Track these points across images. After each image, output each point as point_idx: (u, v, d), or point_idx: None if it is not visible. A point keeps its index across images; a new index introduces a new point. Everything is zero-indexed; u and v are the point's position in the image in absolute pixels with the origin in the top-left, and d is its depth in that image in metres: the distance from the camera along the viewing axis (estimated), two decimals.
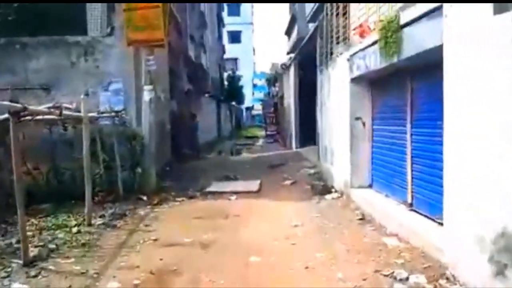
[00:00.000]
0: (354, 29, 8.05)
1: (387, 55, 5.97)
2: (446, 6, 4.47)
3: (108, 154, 9.21)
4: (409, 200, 6.52)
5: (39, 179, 9.07)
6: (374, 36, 6.61)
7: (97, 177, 8.99)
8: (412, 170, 6.43)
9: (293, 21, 19.93)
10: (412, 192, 6.46)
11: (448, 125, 4.53)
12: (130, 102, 10.12)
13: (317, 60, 11.64)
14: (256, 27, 68.63)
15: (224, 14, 46.04)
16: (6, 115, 4.88)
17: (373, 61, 6.69)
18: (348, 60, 8.02)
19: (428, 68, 5.59)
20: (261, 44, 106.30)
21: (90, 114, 7.73)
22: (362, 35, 7.45)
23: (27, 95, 9.23)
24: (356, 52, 7.55)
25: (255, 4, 63.66)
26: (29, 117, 6.02)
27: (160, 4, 9.50)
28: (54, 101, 8.23)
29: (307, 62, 16.47)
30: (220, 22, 39.65)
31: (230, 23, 51.96)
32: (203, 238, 6.24)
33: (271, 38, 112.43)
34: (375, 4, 6.99)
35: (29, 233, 6.52)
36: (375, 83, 7.81)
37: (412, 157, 6.42)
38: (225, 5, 46.66)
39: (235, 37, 57.55)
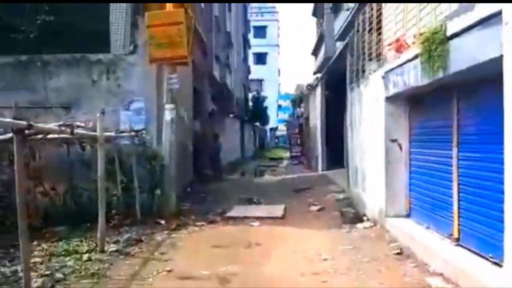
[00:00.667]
0: (389, 45, 7.46)
1: (431, 70, 5.34)
2: (506, 12, 3.86)
3: (127, 175, 8.82)
4: (455, 234, 5.77)
5: (56, 200, 8.74)
6: (414, 50, 6.00)
7: (115, 199, 8.60)
8: (459, 200, 5.70)
9: (320, 40, 19.52)
10: (458, 224, 5.72)
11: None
12: (151, 121, 9.75)
13: (347, 78, 11.06)
14: (281, 48, 68.63)
15: (250, 36, 46.22)
16: (10, 135, 4.48)
17: (413, 77, 6.06)
18: (383, 77, 7.41)
19: (480, 84, 4.94)
20: (286, 65, 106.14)
21: (107, 134, 7.34)
22: (399, 50, 6.86)
23: (46, 113, 8.99)
24: (393, 68, 6.94)
25: (281, 26, 64.03)
26: (39, 136, 5.67)
27: (183, 21, 9.17)
28: (73, 120, 7.94)
29: (335, 82, 15.97)
30: (246, 43, 39.69)
31: (256, 44, 52.13)
32: (221, 271, 5.66)
33: (296, 59, 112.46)
34: (415, 16, 6.41)
35: (37, 260, 6.18)
36: (413, 102, 7.15)
37: (459, 184, 5.70)
38: (251, 27, 46.91)
39: (260, 58, 57.65)
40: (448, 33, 4.98)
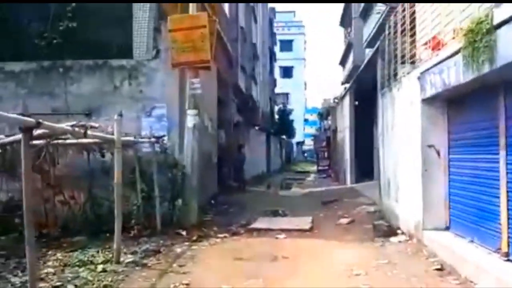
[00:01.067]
0: (425, 44, 6.94)
1: (475, 64, 4.81)
2: None
3: (148, 184, 8.51)
4: (504, 248, 5.14)
5: (75, 209, 8.52)
6: (454, 45, 5.47)
7: (135, 208, 8.30)
8: (508, 210, 5.08)
9: (348, 49, 19.08)
10: (508, 237, 5.08)
11: None
12: (173, 128, 9.47)
13: (378, 83, 10.53)
14: (308, 61, 68.27)
15: (277, 49, 46.10)
16: (19, 136, 4.17)
17: (454, 74, 5.52)
18: (419, 78, 6.86)
19: None
20: (313, 78, 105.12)
21: (125, 138, 7.03)
22: (436, 48, 6.33)
23: (68, 120, 8.82)
24: (430, 68, 6.40)
25: (308, 39, 63.72)
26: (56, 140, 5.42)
27: (206, 25, 8.93)
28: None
29: (363, 92, 15.48)
30: (272, 56, 39.53)
31: (282, 58, 51.97)
32: (243, 285, 5.20)
33: (323, 72, 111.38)
34: (452, 10, 5.88)
35: (50, 270, 5.89)
36: (453, 103, 6.56)
37: (507, 192, 5.08)
38: (277, 41, 46.84)
39: (286, 72, 57.48)
40: (495, 22, 4.46)
